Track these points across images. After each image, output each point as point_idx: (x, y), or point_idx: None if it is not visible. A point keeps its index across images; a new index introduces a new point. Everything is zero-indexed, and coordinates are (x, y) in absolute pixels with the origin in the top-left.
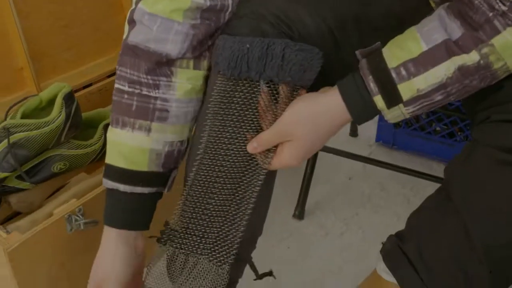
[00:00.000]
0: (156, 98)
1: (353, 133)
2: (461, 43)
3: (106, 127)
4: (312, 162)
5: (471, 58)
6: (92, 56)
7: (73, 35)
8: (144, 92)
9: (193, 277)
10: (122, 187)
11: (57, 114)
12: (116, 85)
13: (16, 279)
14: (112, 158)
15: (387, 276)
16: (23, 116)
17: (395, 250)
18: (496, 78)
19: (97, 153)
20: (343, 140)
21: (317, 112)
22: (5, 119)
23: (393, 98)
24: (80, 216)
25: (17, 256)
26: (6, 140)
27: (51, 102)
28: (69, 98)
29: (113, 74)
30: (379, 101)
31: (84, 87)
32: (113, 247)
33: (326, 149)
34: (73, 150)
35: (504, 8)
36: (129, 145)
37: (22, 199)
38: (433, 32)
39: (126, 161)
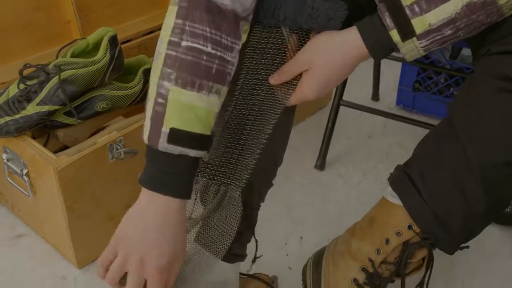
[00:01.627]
0: (228, 62)
1: (375, 97)
2: None
3: (145, 72)
4: (333, 116)
5: None
6: (133, 14)
7: None
8: (223, 55)
9: (224, 204)
10: (193, 153)
11: (102, 55)
12: (192, 44)
13: (63, 197)
14: (184, 122)
15: (393, 199)
16: (72, 57)
17: (401, 175)
18: (502, 14)
19: (137, 96)
20: (365, 104)
21: (334, 42)
22: (56, 59)
23: (407, 32)
24: (121, 146)
25: (64, 175)
26: (57, 77)
27: (97, 45)
28: (113, 41)
29: (151, 32)
30: (394, 35)
31: (123, 42)
32: (168, 223)
33: (349, 104)
34: (115, 91)
35: None
36: (205, 109)
37: (69, 133)
38: None
39: (201, 125)
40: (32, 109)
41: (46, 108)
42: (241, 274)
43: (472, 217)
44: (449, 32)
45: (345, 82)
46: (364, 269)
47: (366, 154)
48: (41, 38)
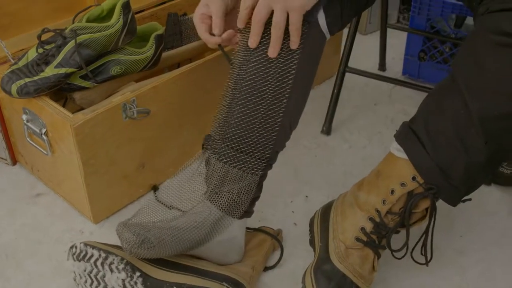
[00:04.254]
0: None
1: (381, 67)
2: None
3: (157, 37)
4: (339, 82)
5: None
6: None
7: None
8: None
9: (227, 182)
10: None
11: (116, 19)
12: None
13: (80, 153)
14: None
15: (399, 153)
16: (87, 22)
17: (406, 130)
18: None
19: (149, 61)
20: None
21: None
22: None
23: None
24: (134, 105)
25: (80, 132)
26: (73, 40)
27: (110, 12)
28: (126, 6)
29: (163, 3)
30: None
31: (136, 13)
32: None
33: (355, 71)
34: (128, 56)
35: None
36: None
37: (85, 96)
38: None
39: None
40: (50, 71)
41: (63, 70)
42: (247, 228)
43: (473, 168)
44: None
45: (349, 51)
46: (371, 219)
47: (371, 121)
48: (58, 7)
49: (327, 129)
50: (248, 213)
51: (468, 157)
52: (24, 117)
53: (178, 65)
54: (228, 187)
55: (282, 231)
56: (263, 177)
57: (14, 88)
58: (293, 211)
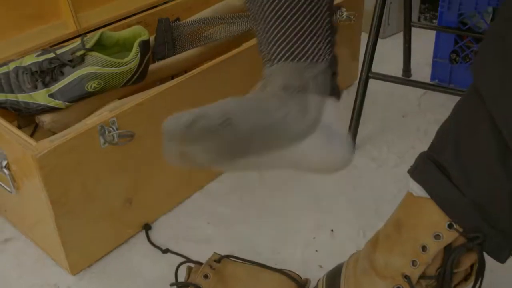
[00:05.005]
0: None
1: (406, 73)
2: None
3: (141, 44)
4: (362, 91)
5: None
6: None
7: None
8: None
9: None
10: None
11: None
12: None
13: (47, 190)
14: None
15: (422, 192)
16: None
17: (425, 162)
18: None
19: (133, 73)
20: None
21: None
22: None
23: None
24: (114, 128)
25: (46, 163)
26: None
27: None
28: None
29: (153, 7)
30: None
31: (122, 19)
32: None
33: (379, 77)
34: (107, 68)
35: None
36: None
37: (56, 118)
38: None
39: None
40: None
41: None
42: (268, 268)
43: None
44: None
45: (372, 54)
46: None
47: (401, 134)
48: (27, 15)
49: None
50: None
51: (510, 185)
52: None
53: (172, 79)
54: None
55: (310, 281)
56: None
57: None
58: (316, 250)
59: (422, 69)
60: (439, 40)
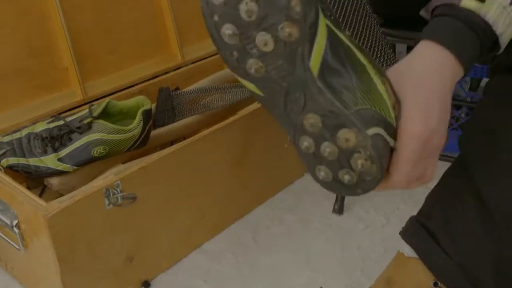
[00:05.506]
0: None
1: None
2: None
3: (144, 113)
4: None
5: None
6: (133, 60)
7: (115, 39)
8: None
9: None
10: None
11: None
12: None
13: (55, 248)
14: None
15: (411, 253)
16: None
17: (415, 226)
18: None
19: (136, 139)
20: None
21: (411, 63)
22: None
23: None
24: (118, 190)
25: (56, 223)
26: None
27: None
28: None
29: (154, 77)
30: (468, 3)
31: (124, 89)
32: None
33: None
34: (112, 135)
35: None
36: None
37: (64, 181)
38: None
39: None
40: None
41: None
42: None
43: (504, 265)
44: None
45: None
46: None
47: (387, 197)
48: (37, 85)
49: (339, 208)
50: None
51: (496, 249)
52: None
53: (171, 144)
54: None
55: None
56: None
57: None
58: None
59: None
60: None
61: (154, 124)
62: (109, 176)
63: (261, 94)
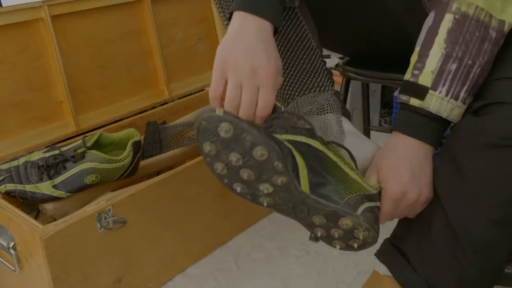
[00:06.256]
0: None
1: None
2: (436, 19)
3: (134, 144)
4: None
5: (448, 19)
6: (124, 95)
7: (108, 75)
8: None
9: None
10: None
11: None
12: None
13: (50, 268)
14: None
15: (385, 270)
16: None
17: (388, 247)
18: (486, 25)
19: (126, 169)
20: None
21: (388, 148)
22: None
23: (421, 92)
24: (109, 215)
25: (51, 244)
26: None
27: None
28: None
29: (143, 111)
30: (414, 101)
31: (115, 122)
32: (264, 38)
33: None
34: (104, 164)
35: None
36: None
37: (58, 207)
38: (421, 35)
39: None
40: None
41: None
42: None
43: (466, 284)
44: (454, 65)
45: None
46: None
47: None
48: (34, 117)
49: (315, 236)
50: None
51: (460, 270)
52: None
53: (158, 174)
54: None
55: None
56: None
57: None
58: None
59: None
60: None
61: (142, 155)
62: (101, 202)
63: (276, 211)
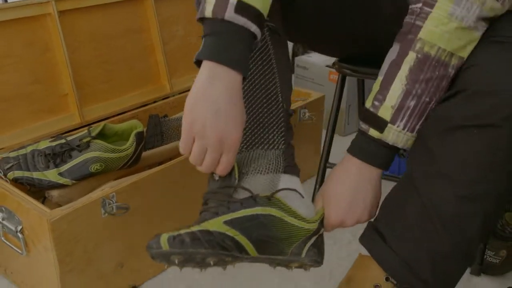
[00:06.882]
0: None
1: None
2: (400, 53)
3: (137, 135)
4: (320, 179)
5: (411, 57)
6: (126, 90)
7: (111, 70)
8: None
9: (254, 161)
10: (253, 28)
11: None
12: None
13: (56, 250)
14: None
15: (368, 253)
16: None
17: (369, 230)
18: (446, 64)
19: (129, 158)
20: None
21: (338, 173)
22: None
23: (380, 124)
24: (113, 201)
25: (57, 227)
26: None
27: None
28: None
29: (145, 105)
30: (373, 132)
31: (118, 114)
32: (234, 96)
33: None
34: (108, 153)
35: (419, 5)
36: None
37: (63, 194)
38: (384, 65)
39: (262, 3)
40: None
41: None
42: None
43: (438, 258)
44: (413, 102)
45: (329, 148)
46: None
47: None
48: (40, 109)
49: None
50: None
51: (431, 245)
52: (0, 215)
53: (159, 165)
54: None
55: None
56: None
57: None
58: None
59: None
60: None
61: (144, 147)
62: (106, 189)
63: None
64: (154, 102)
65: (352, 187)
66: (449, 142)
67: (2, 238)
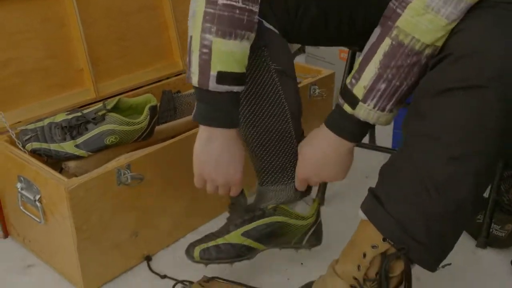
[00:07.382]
0: (255, 12)
1: (372, 141)
2: (379, 39)
3: (151, 109)
4: None
5: (386, 43)
6: (141, 65)
7: (125, 46)
8: (251, 8)
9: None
10: (236, 88)
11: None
12: (227, 2)
13: (73, 218)
14: (228, 65)
15: (364, 216)
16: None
17: (368, 196)
18: (418, 53)
19: (143, 131)
20: None
21: (313, 137)
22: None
23: (353, 101)
24: (128, 171)
25: (75, 195)
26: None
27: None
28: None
29: (158, 81)
30: (347, 108)
31: (132, 90)
32: (231, 147)
33: None
34: (123, 126)
35: None
36: (240, 53)
37: (80, 165)
38: (366, 46)
39: (239, 66)
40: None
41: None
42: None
43: (433, 219)
44: (384, 85)
45: None
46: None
47: (363, 192)
48: (55, 84)
49: (320, 200)
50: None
51: (425, 207)
52: (19, 185)
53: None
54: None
55: None
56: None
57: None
58: (288, 278)
59: (384, 139)
60: (398, 115)
61: (158, 121)
62: (121, 159)
63: None
64: (167, 78)
65: (321, 154)
66: (438, 106)
67: (21, 208)
